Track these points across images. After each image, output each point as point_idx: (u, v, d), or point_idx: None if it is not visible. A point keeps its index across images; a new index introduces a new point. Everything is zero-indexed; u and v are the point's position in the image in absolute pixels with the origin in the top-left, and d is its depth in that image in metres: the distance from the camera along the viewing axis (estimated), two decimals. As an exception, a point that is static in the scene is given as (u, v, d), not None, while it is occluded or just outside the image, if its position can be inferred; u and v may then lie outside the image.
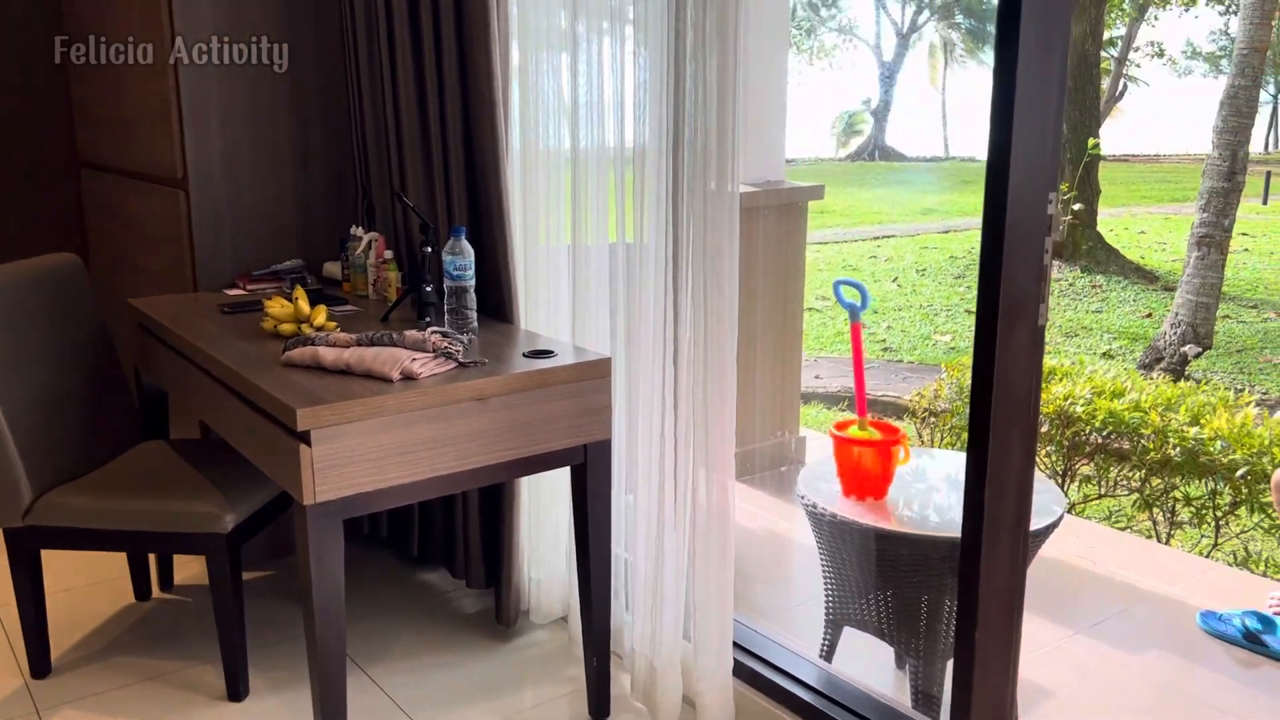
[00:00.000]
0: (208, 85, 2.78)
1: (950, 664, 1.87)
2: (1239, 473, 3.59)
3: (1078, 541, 3.34)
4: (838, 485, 2.41)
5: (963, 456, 1.73)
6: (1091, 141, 10.29)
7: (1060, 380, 4.17)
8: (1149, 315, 9.40)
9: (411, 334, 2.07)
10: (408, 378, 1.96)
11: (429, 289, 2.35)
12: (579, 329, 2.37)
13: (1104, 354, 8.30)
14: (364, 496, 1.91)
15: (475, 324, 2.29)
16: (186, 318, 2.52)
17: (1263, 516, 3.67)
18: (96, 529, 2.33)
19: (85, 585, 2.90)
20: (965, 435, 1.71)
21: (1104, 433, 3.91)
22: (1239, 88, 7.81)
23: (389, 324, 2.39)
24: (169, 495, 2.34)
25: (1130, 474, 3.93)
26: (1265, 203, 15.28)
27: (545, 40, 2.35)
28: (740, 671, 2.23)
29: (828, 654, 2.43)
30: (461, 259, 2.25)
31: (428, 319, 2.34)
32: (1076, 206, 10.37)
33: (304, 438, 1.82)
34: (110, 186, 3.35)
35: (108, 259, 3.47)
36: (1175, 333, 7.86)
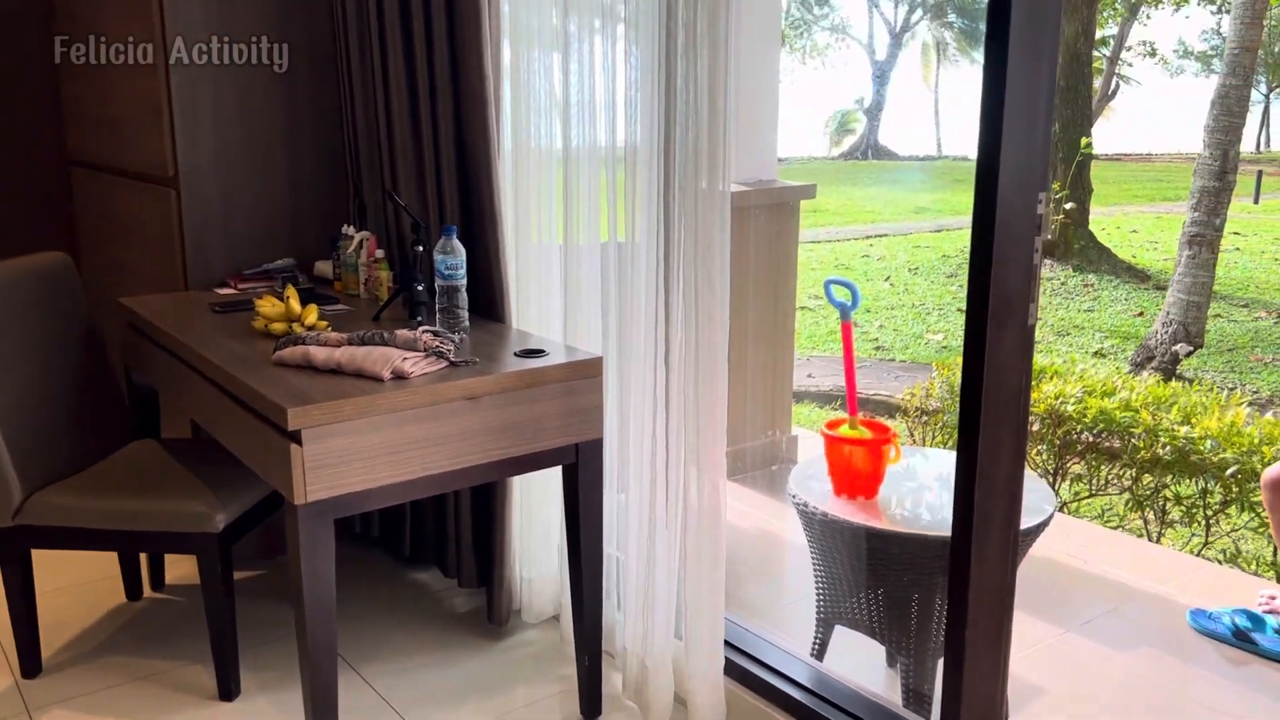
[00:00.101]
0: (199, 83, 2.77)
1: (941, 662, 1.88)
2: (1229, 471, 3.61)
3: (1069, 540, 3.35)
4: (829, 484, 2.41)
5: (954, 455, 1.74)
6: (1084, 140, 10.31)
7: (1051, 379, 4.18)
8: (1141, 314, 9.43)
9: (403, 333, 2.06)
10: (399, 377, 1.96)
11: (420, 288, 2.35)
12: (570, 328, 2.37)
13: (1096, 353, 8.32)
14: (355, 496, 1.91)
15: (466, 323, 2.29)
16: (177, 317, 2.51)
17: (1252, 515, 3.69)
18: (87, 528, 2.32)
19: (76, 585, 2.89)
20: (957, 434, 1.71)
21: (1095, 431, 3.92)
22: (1230, 87, 7.84)
23: (380, 323, 2.39)
24: (160, 495, 2.34)
25: (1121, 473, 3.94)
26: (1256, 202, 15.32)
27: (537, 39, 2.35)
28: (732, 670, 2.23)
29: (819, 653, 2.43)
30: (453, 258, 2.24)
31: (419, 318, 2.33)
32: (1068, 205, 10.40)
33: (295, 437, 1.82)
34: (101, 185, 3.34)
35: (98, 258, 3.47)
36: (1167, 331, 7.89)
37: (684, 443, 2.09)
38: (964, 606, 1.74)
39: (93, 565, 2.93)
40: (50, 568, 2.78)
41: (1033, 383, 1.94)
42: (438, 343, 2.05)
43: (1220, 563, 3.70)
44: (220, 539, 2.28)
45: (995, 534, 1.75)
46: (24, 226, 3.69)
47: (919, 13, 26.94)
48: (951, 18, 26.67)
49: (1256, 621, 2.66)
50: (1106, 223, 12.85)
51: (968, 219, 1.64)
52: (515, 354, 2.15)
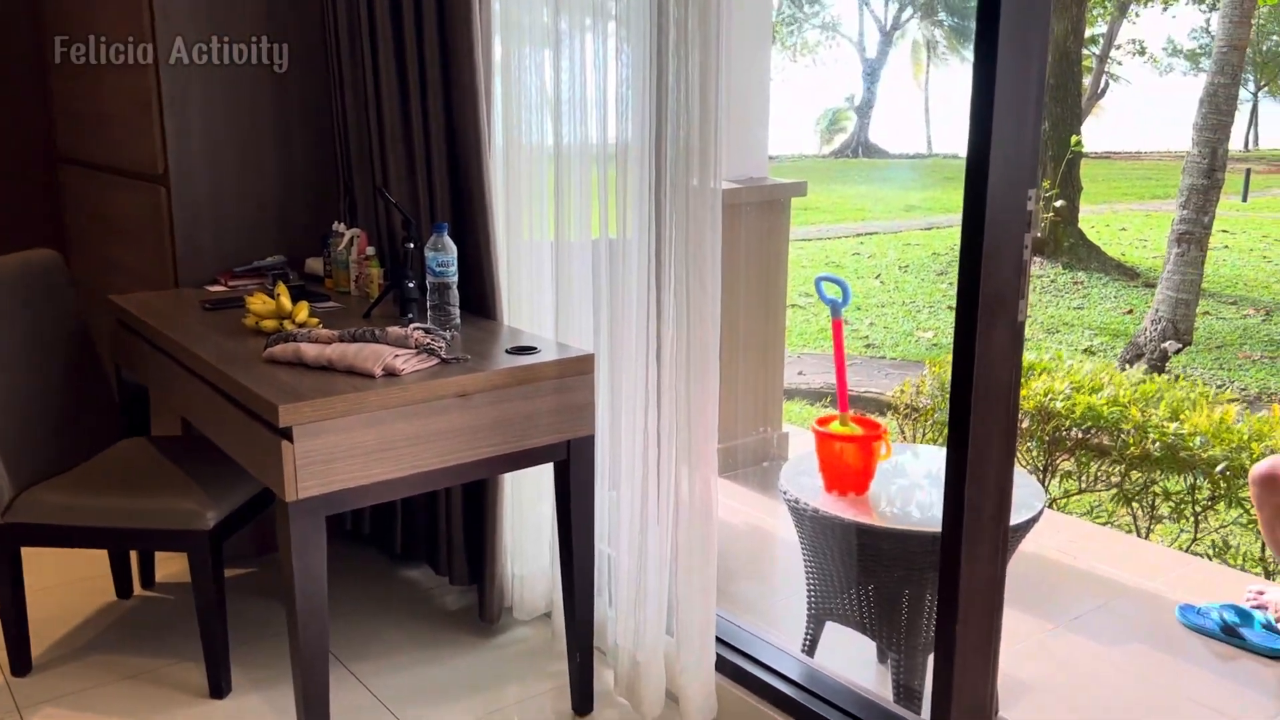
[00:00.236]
0: (189, 80, 2.77)
1: (931, 657, 1.88)
2: (1218, 468, 3.62)
3: (1058, 536, 3.36)
4: (820, 480, 2.42)
5: (944, 452, 1.74)
6: (1073, 138, 10.34)
7: (1040, 376, 4.19)
8: (1130, 311, 9.46)
9: (394, 330, 2.06)
10: (390, 374, 1.96)
11: (411, 285, 2.35)
12: (562, 325, 2.37)
13: (1085, 350, 8.35)
14: (346, 493, 1.90)
15: (458, 320, 2.29)
16: (168, 314, 2.51)
17: (1241, 511, 3.70)
18: (77, 526, 2.32)
19: (66, 583, 2.88)
20: (947, 432, 1.72)
21: (1083, 427, 3.93)
22: (1219, 85, 7.87)
23: (371, 320, 2.39)
24: (150, 492, 2.33)
25: (1110, 469, 3.96)
26: (1245, 200, 15.38)
27: (528, 35, 2.35)
28: (723, 666, 2.24)
29: (810, 648, 2.44)
30: (444, 255, 2.24)
31: (410, 315, 2.33)
32: (1058, 203, 10.43)
33: (286, 434, 1.82)
34: (90, 182, 3.32)
35: (88, 255, 3.45)
36: (1156, 329, 7.92)
37: (675, 439, 2.10)
38: (954, 602, 1.75)
39: (83, 563, 2.92)
40: (40, 566, 2.77)
41: (1022, 379, 1.95)
42: (429, 340, 2.05)
43: (1209, 558, 3.72)
44: (211, 536, 2.27)
45: (985, 530, 1.76)
46: (13, 224, 3.67)
47: (909, 11, 26.97)
48: (942, 16, 26.71)
49: (1245, 617, 2.67)
50: (1096, 220, 12.90)
51: (958, 217, 1.65)
52: (507, 351, 2.15)
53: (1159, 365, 7.66)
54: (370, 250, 2.66)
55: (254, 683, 2.42)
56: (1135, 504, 3.94)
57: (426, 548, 2.90)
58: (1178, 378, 5.01)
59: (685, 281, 2.02)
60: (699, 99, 1.94)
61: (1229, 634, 2.67)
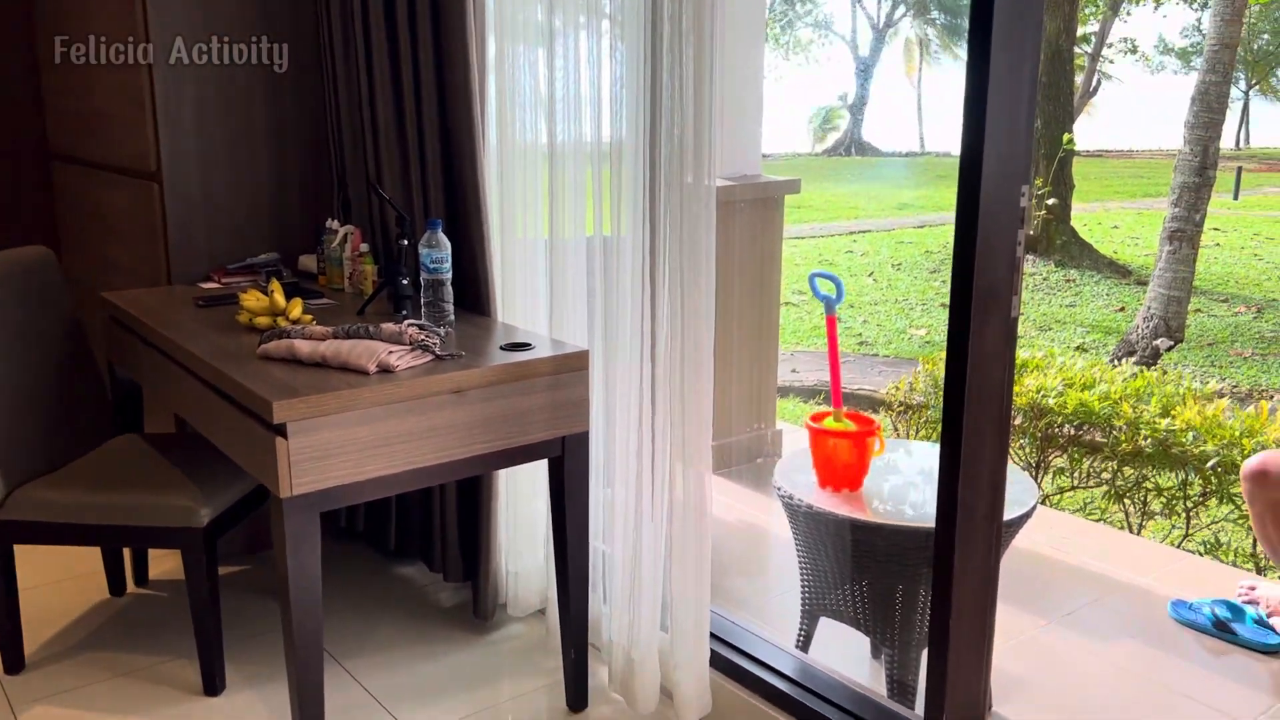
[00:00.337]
0: (182, 77, 2.76)
1: (925, 653, 1.89)
2: (1209, 464, 3.64)
3: (1051, 532, 3.37)
4: (813, 477, 2.42)
5: (937, 448, 1.75)
6: (1066, 137, 10.38)
7: (1032, 372, 4.21)
8: (1122, 309, 9.50)
9: (388, 327, 2.06)
10: (384, 370, 1.96)
11: (405, 282, 2.35)
12: (556, 322, 2.38)
13: (1077, 348, 8.38)
14: (340, 489, 1.90)
15: (452, 317, 2.29)
16: (161, 311, 2.50)
17: (1232, 507, 3.72)
18: (70, 523, 2.31)
19: (59, 580, 2.88)
20: (940, 429, 1.73)
21: (1075, 423, 3.95)
22: (1210, 84, 7.90)
23: (365, 317, 2.39)
24: (143, 489, 2.33)
25: (1102, 465, 3.97)
26: (1236, 198, 15.45)
27: (522, 34, 2.35)
28: (717, 662, 2.24)
29: (804, 644, 2.45)
30: (438, 252, 2.24)
31: (404, 312, 2.33)
32: (1050, 201, 10.46)
33: (280, 430, 1.82)
34: (82, 179, 3.32)
35: (80, 252, 3.45)
36: (1147, 326, 7.95)
37: (670, 436, 2.10)
38: (948, 598, 1.76)
39: (76, 560, 2.92)
40: (33, 563, 2.77)
41: (1015, 376, 1.95)
42: (423, 336, 2.05)
43: (1200, 554, 3.73)
44: (205, 533, 2.27)
45: (979, 526, 1.76)
46: (5, 220, 3.66)
47: (902, 9, 27.03)
48: (934, 14, 26.76)
49: (1236, 612, 2.69)
50: (1088, 218, 12.94)
51: (951, 215, 1.66)
52: (501, 347, 2.15)
53: (1151, 362, 7.69)
54: (364, 247, 2.66)
55: (248, 680, 2.42)
56: (1127, 500, 3.95)
57: (421, 544, 2.90)
58: (1165, 373, 5.03)
59: (679, 278, 2.03)
60: (693, 97, 1.94)
61: (1221, 629, 2.68)
